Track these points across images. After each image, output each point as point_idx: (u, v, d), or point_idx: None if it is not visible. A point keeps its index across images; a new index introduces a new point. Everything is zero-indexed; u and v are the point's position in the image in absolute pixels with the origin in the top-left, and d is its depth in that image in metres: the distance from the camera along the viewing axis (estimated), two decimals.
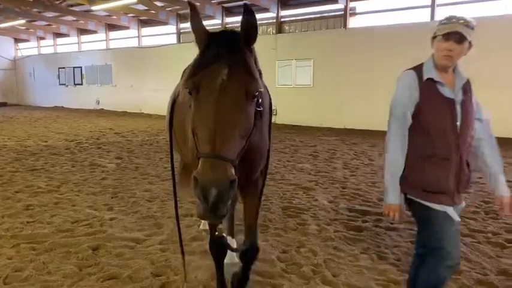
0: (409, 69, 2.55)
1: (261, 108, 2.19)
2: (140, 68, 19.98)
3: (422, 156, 2.45)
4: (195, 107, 1.91)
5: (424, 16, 12.45)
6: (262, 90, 2.03)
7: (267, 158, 2.71)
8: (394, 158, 2.49)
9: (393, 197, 2.50)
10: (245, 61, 1.94)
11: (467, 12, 11.69)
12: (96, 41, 23.10)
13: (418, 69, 2.52)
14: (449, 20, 2.37)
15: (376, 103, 12.77)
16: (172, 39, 19.28)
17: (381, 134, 11.80)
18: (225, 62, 1.87)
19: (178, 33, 19.05)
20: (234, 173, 1.78)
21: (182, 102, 2.74)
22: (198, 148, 1.87)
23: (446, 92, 2.44)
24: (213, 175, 1.71)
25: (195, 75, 1.91)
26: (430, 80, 2.45)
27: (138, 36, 20.79)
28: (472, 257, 3.77)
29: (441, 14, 12.12)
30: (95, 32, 22.26)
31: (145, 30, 20.76)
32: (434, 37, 2.46)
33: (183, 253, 3.03)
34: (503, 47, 10.81)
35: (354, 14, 14.22)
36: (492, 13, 11.16)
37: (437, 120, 2.42)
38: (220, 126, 1.79)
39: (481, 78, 10.56)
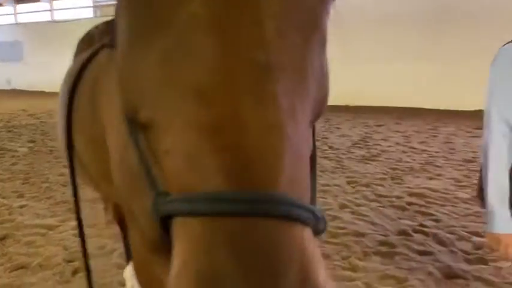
0: (509, 44, 1.77)
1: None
2: (55, 44, 18.62)
3: None
4: (161, 65, 0.54)
5: None
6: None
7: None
8: (499, 176, 1.86)
9: (506, 223, 1.83)
10: None
11: None
12: (2, 15, 21.21)
13: None
14: None
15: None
16: (89, 12, 18.22)
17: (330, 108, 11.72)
18: None
19: (95, 7, 18.03)
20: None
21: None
22: (170, 182, 0.52)
23: None
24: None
25: None
26: None
27: (51, 10, 19.40)
28: (376, 220, 4.08)
29: None
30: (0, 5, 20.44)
31: (58, 3, 19.43)
32: None
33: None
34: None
35: None
36: None
37: None
38: (260, 105, 0.49)
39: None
